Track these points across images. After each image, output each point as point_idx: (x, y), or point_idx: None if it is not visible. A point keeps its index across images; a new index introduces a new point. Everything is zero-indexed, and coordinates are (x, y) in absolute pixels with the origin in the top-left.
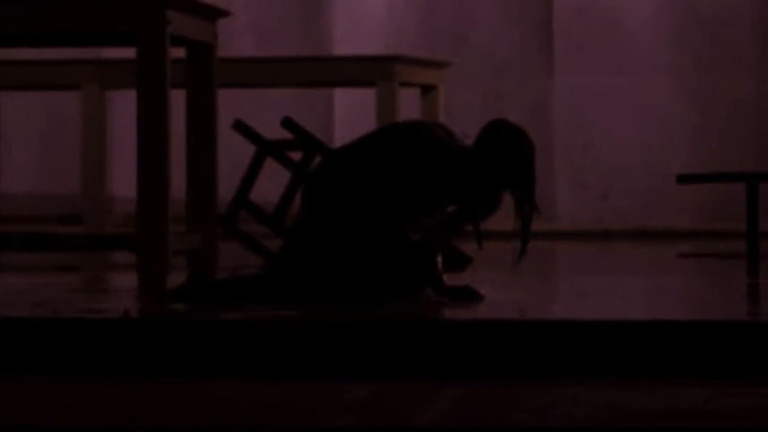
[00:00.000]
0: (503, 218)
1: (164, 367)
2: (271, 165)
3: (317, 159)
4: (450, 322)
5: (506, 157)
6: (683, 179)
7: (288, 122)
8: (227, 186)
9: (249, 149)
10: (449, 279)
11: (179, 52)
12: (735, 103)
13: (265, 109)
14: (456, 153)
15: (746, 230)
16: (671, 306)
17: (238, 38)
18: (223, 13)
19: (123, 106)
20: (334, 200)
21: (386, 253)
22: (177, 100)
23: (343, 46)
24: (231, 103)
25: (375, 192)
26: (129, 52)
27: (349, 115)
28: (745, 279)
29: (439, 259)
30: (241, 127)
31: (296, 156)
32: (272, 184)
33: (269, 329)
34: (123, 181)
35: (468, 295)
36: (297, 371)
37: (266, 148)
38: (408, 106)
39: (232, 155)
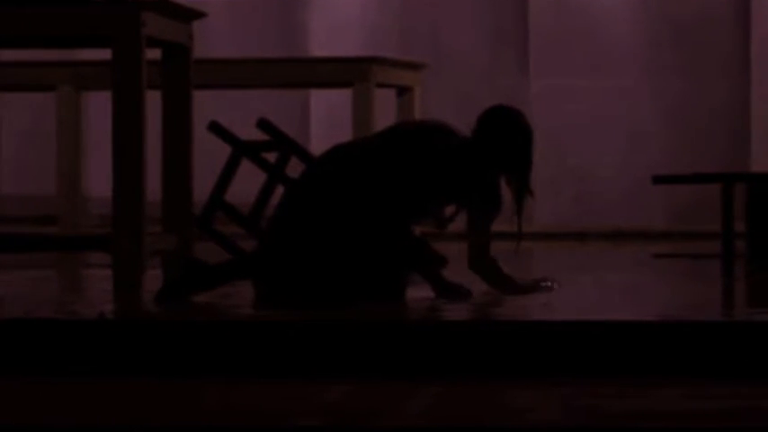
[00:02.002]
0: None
1: (138, 368)
2: (246, 166)
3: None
4: (426, 323)
5: (505, 138)
6: (659, 180)
7: (263, 124)
8: (202, 187)
9: (225, 150)
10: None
11: (155, 53)
12: (710, 105)
13: (241, 110)
14: (455, 146)
15: (722, 231)
16: (646, 307)
17: (214, 39)
18: (199, 15)
19: (99, 108)
20: (336, 196)
21: (391, 249)
22: (153, 101)
23: (319, 47)
24: (207, 105)
25: (378, 190)
26: (104, 54)
27: (325, 116)
28: (720, 279)
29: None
30: (216, 128)
31: (272, 157)
32: (247, 185)
33: (243, 330)
34: (99, 182)
35: (465, 293)
36: (272, 371)
37: (242, 149)
38: (384, 107)
39: (208, 156)
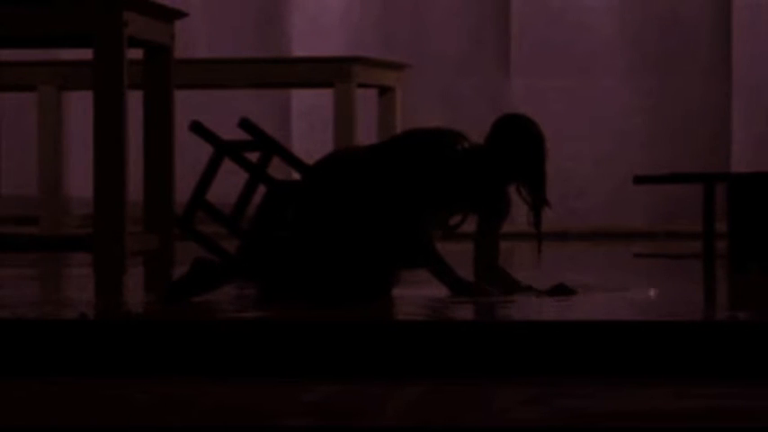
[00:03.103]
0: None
1: (122, 368)
2: (228, 166)
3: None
4: (407, 323)
5: (517, 146)
6: (640, 180)
7: (245, 123)
8: (184, 187)
9: (206, 150)
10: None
11: (136, 53)
12: (691, 105)
13: (223, 110)
14: (467, 153)
15: (702, 231)
16: (628, 306)
17: (195, 39)
18: (180, 15)
19: (80, 108)
20: (351, 199)
21: (406, 250)
22: (134, 101)
23: (300, 47)
24: (189, 105)
25: (392, 196)
26: (86, 53)
27: (307, 116)
28: (700, 279)
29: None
30: (198, 128)
31: (253, 157)
32: (229, 185)
33: (227, 330)
34: (80, 182)
35: (479, 290)
36: (255, 372)
37: (223, 149)
38: (366, 108)
39: (189, 156)
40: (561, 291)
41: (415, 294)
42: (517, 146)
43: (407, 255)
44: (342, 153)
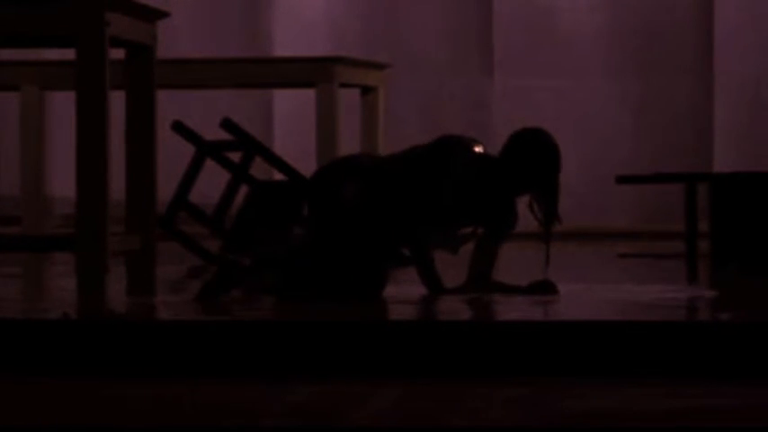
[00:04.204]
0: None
1: (104, 368)
2: (210, 166)
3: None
4: (387, 324)
5: (531, 160)
6: (623, 180)
7: (227, 123)
8: (166, 187)
9: (189, 150)
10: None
11: (118, 53)
12: (674, 106)
13: (205, 110)
14: (482, 165)
15: (685, 231)
16: (610, 306)
17: (178, 39)
18: (162, 15)
19: (63, 108)
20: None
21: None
22: (117, 101)
23: (283, 47)
24: (171, 104)
25: (408, 205)
26: (68, 53)
27: (289, 116)
28: (684, 279)
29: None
30: (180, 128)
31: (235, 156)
32: (211, 184)
33: (209, 331)
34: (62, 182)
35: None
36: (236, 372)
37: (205, 149)
38: (348, 108)
39: (172, 156)
40: (543, 287)
41: (397, 293)
42: (532, 157)
43: (402, 249)
44: (358, 158)
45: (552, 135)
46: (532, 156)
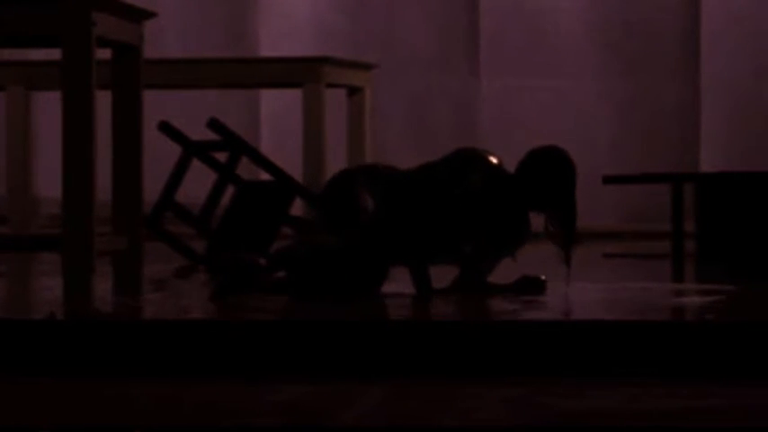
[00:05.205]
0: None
1: (89, 368)
2: (197, 166)
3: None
4: (376, 322)
5: (546, 178)
6: (609, 180)
7: (214, 123)
8: (152, 188)
9: (175, 151)
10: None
11: (105, 53)
12: (660, 106)
13: (191, 110)
14: (497, 182)
15: (671, 231)
16: (596, 306)
17: (164, 39)
18: (149, 15)
19: (49, 108)
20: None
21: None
22: (103, 101)
23: (269, 47)
24: (157, 105)
25: (422, 217)
26: (54, 53)
27: (275, 116)
28: (669, 279)
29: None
30: (166, 128)
31: (222, 156)
32: (198, 185)
33: (196, 330)
34: (49, 182)
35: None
36: (223, 371)
37: (192, 149)
38: (335, 108)
39: (158, 156)
40: (531, 285)
41: (387, 292)
42: (549, 174)
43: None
44: (376, 168)
45: (569, 153)
46: (549, 172)
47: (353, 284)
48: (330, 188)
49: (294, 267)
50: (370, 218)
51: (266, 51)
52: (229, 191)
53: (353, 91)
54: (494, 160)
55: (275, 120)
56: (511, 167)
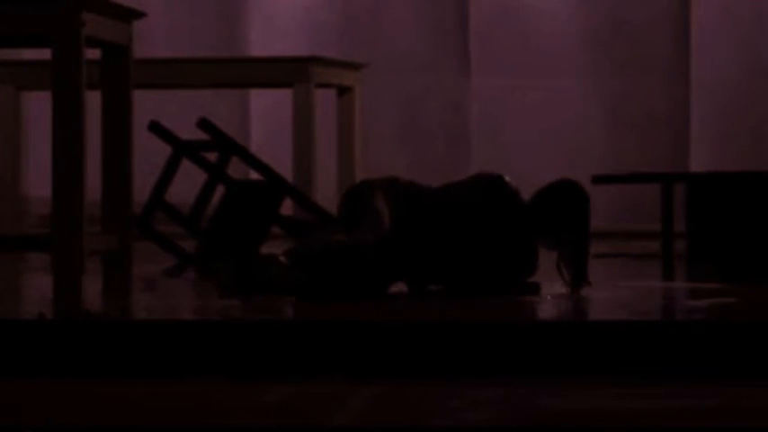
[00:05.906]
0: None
1: (78, 368)
2: (187, 165)
3: (233, 160)
4: (367, 323)
5: (562, 212)
6: (599, 180)
7: (204, 123)
8: (142, 187)
9: (165, 150)
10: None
11: (94, 53)
12: (650, 106)
13: (181, 110)
14: (518, 205)
15: (661, 231)
16: (588, 306)
17: (154, 38)
18: (139, 15)
19: (39, 107)
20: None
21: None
22: (93, 101)
23: (259, 47)
24: (147, 104)
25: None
26: (44, 53)
27: (265, 116)
28: (659, 279)
29: None
30: (156, 128)
31: (212, 156)
32: (188, 184)
33: (186, 330)
34: (38, 182)
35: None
36: (215, 372)
37: (182, 149)
38: (325, 107)
39: (148, 156)
40: (525, 288)
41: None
42: (563, 207)
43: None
44: (397, 182)
45: (585, 189)
46: (564, 205)
47: (361, 283)
48: (348, 198)
49: (310, 265)
50: (386, 231)
51: (256, 51)
52: (219, 190)
53: (343, 91)
54: (512, 185)
55: (265, 119)
56: (503, 168)
